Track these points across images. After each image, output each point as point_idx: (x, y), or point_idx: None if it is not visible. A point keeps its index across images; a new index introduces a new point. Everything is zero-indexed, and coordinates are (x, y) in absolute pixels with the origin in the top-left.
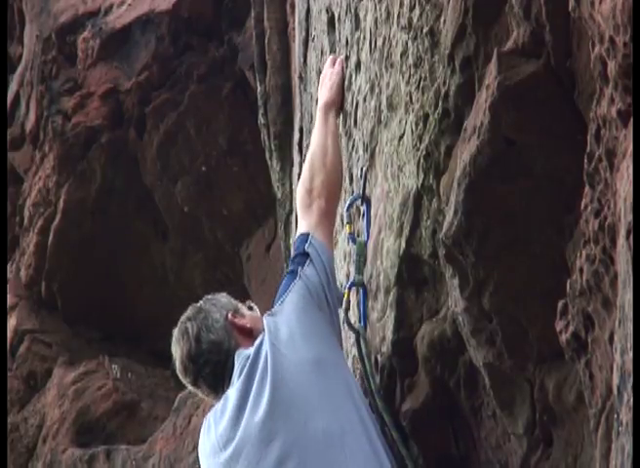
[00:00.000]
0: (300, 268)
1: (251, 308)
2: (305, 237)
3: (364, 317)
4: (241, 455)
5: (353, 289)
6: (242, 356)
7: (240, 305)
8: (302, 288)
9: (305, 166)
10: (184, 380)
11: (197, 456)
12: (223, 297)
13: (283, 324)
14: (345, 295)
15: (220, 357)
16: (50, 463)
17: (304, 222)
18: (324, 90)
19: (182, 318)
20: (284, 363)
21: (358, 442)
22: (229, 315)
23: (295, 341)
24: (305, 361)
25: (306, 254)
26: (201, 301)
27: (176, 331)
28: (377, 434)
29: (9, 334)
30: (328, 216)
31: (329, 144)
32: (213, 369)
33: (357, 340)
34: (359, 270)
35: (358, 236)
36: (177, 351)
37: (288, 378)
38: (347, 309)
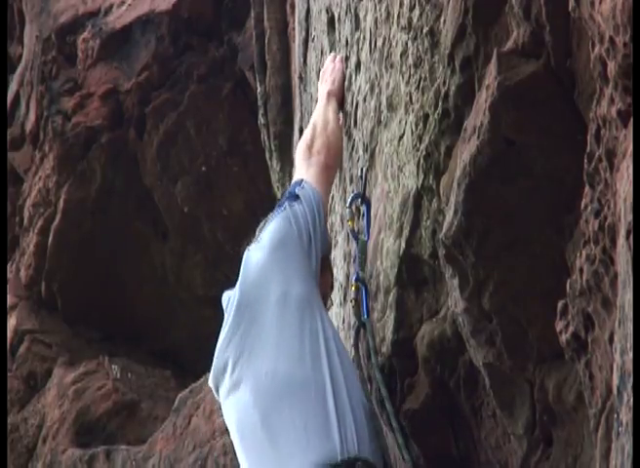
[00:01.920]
0: (287, 203)
1: None
2: (299, 182)
3: (367, 313)
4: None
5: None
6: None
7: None
8: (284, 218)
9: (307, 129)
10: None
11: (197, 456)
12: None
13: (256, 253)
14: (353, 288)
15: None
16: (50, 463)
17: (301, 171)
18: (326, 84)
19: None
20: (250, 295)
21: (309, 394)
22: None
23: (264, 272)
24: (272, 292)
25: (297, 196)
26: None
27: None
28: (346, 392)
29: (9, 334)
30: (326, 171)
31: (330, 118)
32: None
33: (357, 332)
34: (362, 267)
35: (359, 233)
36: None
37: (254, 309)
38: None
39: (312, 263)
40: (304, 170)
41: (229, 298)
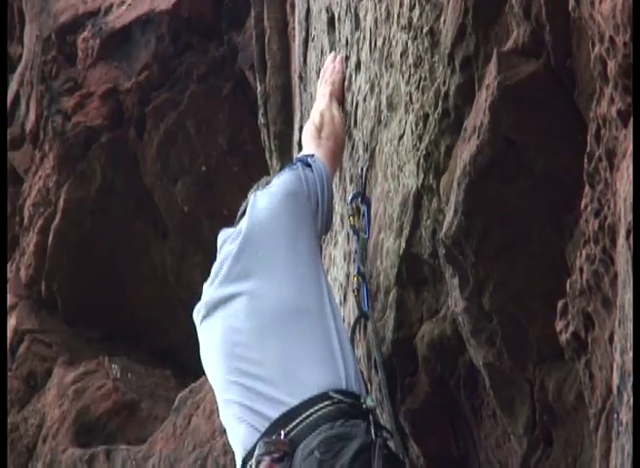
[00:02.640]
0: (300, 164)
1: None
2: (311, 155)
3: (367, 305)
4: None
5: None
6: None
7: None
8: (297, 176)
9: (314, 116)
10: None
11: (197, 456)
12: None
13: (265, 197)
14: (355, 279)
15: None
16: (50, 463)
17: (311, 149)
18: (326, 85)
19: None
20: (258, 232)
21: (315, 326)
22: None
23: (274, 215)
24: (282, 234)
25: (308, 164)
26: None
27: None
28: (338, 337)
29: (9, 334)
30: (333, 157)
31: (335, 114)
32: None
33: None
34: (363, 262)
35: (360, 231)
36: None
37: (261, 242)
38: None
39: (317, 225)
40: (314, 148)
41: (227, 236)
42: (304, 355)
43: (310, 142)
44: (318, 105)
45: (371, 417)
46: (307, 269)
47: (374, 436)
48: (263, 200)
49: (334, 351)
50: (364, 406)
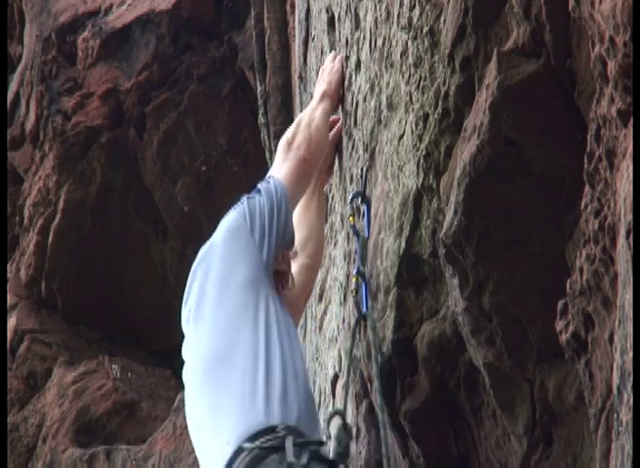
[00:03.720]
0: (246, 198)
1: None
2: (267, 178)
3: (367, 306)
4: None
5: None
6: None
7: None
8: (240, 213)
9: (291, 126)
10: None
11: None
12: None
13: (210, 242)
14: (354, 279)
15: None
16: (50, 463)
17: (276, 166)
18: (322, 84)
19: None
20: (201, 281)
21: (233, 372)
22: None
23: (214, 259)
24: (214, 279)
25: (259, 190)
26: None
27: None
28: (267, 370)
29: (9, 334)
30: (303, 165)
31: (317, 116)
32: None
33: (357, 323)
34: (363, 261)
35: (360, 231)
36: None
37: (199, 294)
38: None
39: (263, 256)
40: (279, 165)
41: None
42: (219, 410)
43: (278, 158)
44: (307, 107)
45: (289, 442)
46: (239, 305)
47: (292, 459)
48: (212, 240)
49: (255, 390)
50: (280, 434)
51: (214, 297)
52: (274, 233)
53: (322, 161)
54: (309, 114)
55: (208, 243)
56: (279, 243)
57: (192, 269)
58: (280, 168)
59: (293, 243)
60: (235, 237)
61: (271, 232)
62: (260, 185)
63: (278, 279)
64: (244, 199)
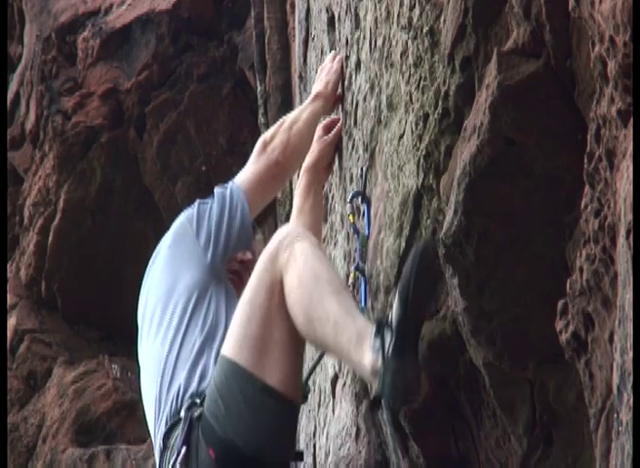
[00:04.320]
0: (198, 202)
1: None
2: (227, 183)
3: (365, 301)
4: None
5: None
6: None
7: None
8: (188, 217)
9: (274, 125)
10: None
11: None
12: None
13: (163, 243)
14: (352, 275)
15: None
16: (50, 463)
17: (246, 167)
18: (319, 83)
19: None
20: (151, 283)
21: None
22: None
23: (160, 265)
24: (162, 282)
25: (213, 195)
26: None
27: None
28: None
29: (9, 334)
30: (275, 168)
31: (302, 118)
32: None
33: None
34: (363, 258)
35: (360, 229)
36: None
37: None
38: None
39: (207, 259)
40: (249, 165)
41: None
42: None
43: (252, 155)
44: (298, 107)
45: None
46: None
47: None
48: (161, 244)
49: (162, 372)
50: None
51: (159, 310)
52: (222, 237)
53: (298, 166)
54: (295, 115)
55: (156, 250)
56: (233, 245)
57: (143, 281)
58: (249, 168)
59: (249, 244)
60: (181, 241)
61: (218, 236)
62: (216, 190)
63: (236, 277)
64: (196, 204)
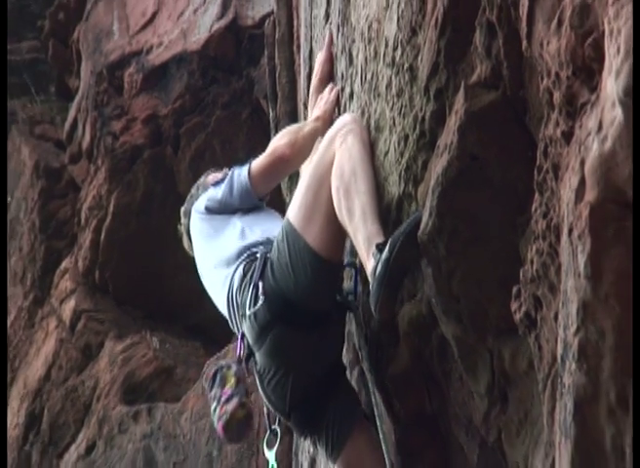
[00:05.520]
0: (229, 174)
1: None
2: (243, 169)
3: (356, 291)
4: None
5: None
6: None
7: (210, 182)
8: (215, 188)
9: (281, 132)
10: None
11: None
12: (204, 179)
13: (199, 203)
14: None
15: None
16: (102, 418)
17: (258, 158)
18: (318, 110)
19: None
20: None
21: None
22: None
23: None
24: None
25: (231, 175)
26: (195, 184)
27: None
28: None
29: (69, 314)
30: (277, 162)
31: (307, 128)
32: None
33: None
34: (353, 253)
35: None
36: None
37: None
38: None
39: (235, 202)
40: (263, 156)
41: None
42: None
43: (267, 149)
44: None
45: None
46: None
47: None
48: (196, 208)
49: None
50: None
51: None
52: (237, 196)
53: (300, 164)
54: (300, 126)
55: (196, 203)
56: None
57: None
58: (261, 158)
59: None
60: (211, 204)
61: (233, 196)
62: (233, 171)
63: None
64: (227, 179)
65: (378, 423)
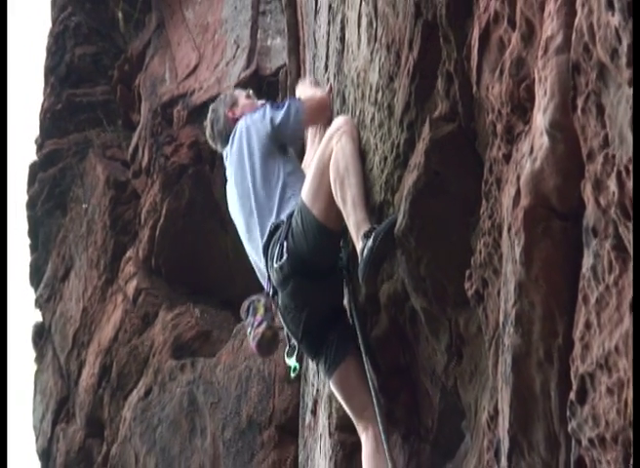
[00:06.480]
0: (288, 101)
1: (249, 96)
2: (295, 99)
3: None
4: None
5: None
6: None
7: (240, 96)
8: (262, 114)
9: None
10: (211, 142)
11: (247, 364)
12: (232, 93)
13: (253, 127)
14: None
15: (223, 136)
16: (157, 370)
17: (303, 92)
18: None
19: (210, 109)
20: (249, 141)
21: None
22: (227, 111)
23: (251, 133)
24: (255, 147)
25: (286, 103)
26: (219, 97)
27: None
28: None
29: (132, 292)
30: (316, 109)
31: (316, 96)
32: (221, 141)
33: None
34: (345, 254)
35: None
36: (206, 130)
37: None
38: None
39: (274, 143)
40: (308, 94)
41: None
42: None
43: (302, 89)
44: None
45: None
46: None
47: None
48: (249, 131)
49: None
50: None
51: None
52: (286, 132)
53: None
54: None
55: (254, 127)
56: (290, 138)
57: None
58: (305, 98)
59: (299, 140)
60: (256, 132)
61: (281, 131)
62: (290, 98)
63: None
64: (284, 109)
65: (366, 367)
